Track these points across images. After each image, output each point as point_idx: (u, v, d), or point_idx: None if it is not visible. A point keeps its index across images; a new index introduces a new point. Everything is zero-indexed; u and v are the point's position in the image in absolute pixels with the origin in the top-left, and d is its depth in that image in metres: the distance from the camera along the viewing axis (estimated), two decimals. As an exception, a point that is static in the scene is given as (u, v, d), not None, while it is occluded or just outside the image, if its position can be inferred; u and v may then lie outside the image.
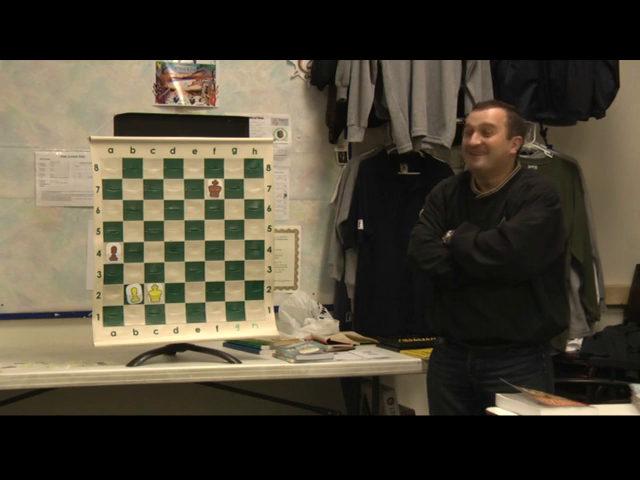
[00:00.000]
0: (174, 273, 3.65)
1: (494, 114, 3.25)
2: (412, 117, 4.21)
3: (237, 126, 4.33)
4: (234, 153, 3.72)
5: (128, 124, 4.16)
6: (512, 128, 3.26)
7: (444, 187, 3.42)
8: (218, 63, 4.33)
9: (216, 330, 3.69)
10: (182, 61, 4.28)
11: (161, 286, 3.64)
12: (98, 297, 3.56)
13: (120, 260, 3.59)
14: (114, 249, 3.58)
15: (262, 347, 3.83)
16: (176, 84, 4.29)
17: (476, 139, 3.24)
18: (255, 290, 3.73)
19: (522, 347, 3.24)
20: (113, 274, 3.58)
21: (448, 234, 3.29)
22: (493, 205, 3.26)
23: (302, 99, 4.46)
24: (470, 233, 3.21)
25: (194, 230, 3.67)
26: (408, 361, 3.77)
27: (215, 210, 3.69)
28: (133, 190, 3.60)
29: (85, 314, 3.99)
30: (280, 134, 4.43)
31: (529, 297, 3.22)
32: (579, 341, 4.52)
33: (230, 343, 3.90)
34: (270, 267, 3.75)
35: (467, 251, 3.18)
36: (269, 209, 3.75)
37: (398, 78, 4.23)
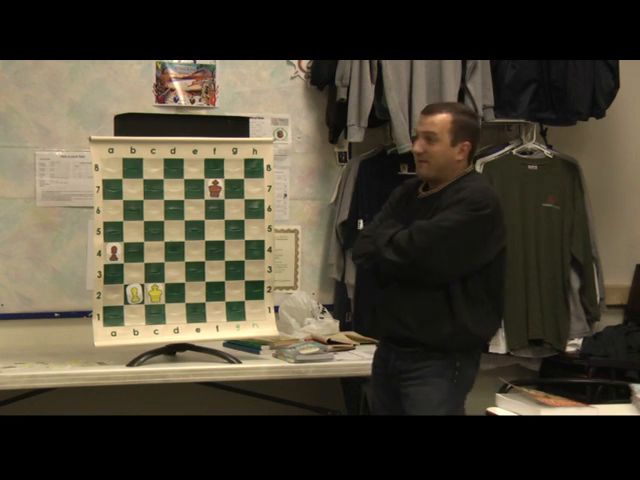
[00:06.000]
0: (174, 273, 3.65)
1: (438, 121, 3.11)
2: (412, 117, 4.21)
3: (237, 126, 4.32)
4: (234, 153, 3.72)
5: (128, 124, 4.14)
6: (457, 135, 3.11)
7: (402, 187, 3.35)
8: (218, 63, 4.32)
9: (216, 330, 3.70)
10: (182, 61, 4.28)
11: (161, 286, 3.64)
12: (98, 297, 3.56)
13: (120, 260, 3.59)
14: (114, 249, 3.58)
15: (262, 347, 3.83)
16: (176, 84, 4.29)
17: (419, 147, 3.14)
18: (255, 290, 3.73)
19: (435, 351, 3.13)
20: (113, 274, 3.58)
21: None
22: (428, 206, 3.17)
23: (302, 99, 4.46)
24: (390, 230, 3.16)
25: (194, 230, 3.67)
26: (408, 361, 3.77)
27: (215, 210, 3.69)
28: (133, 190, 3.60)
29: (85, 314, 3.99)
30: (280, 134, 4.43)
31: (443, 301, 3.11)
32: (579, 341, 4.52)
33: (230, 343, 3.90)
34: (270, 267, 3.75)
35: (379, 247, 3.13)
36: (269, 209, 3.75)
37: (398, 78, 4.23)
